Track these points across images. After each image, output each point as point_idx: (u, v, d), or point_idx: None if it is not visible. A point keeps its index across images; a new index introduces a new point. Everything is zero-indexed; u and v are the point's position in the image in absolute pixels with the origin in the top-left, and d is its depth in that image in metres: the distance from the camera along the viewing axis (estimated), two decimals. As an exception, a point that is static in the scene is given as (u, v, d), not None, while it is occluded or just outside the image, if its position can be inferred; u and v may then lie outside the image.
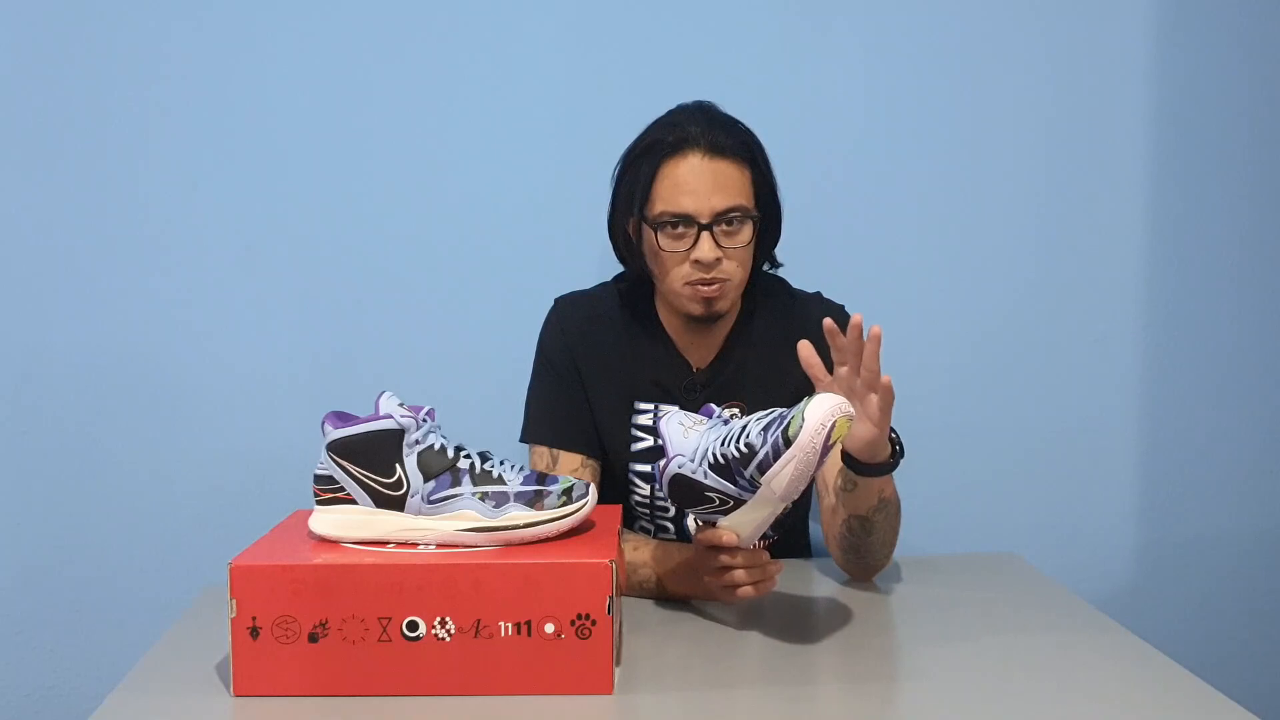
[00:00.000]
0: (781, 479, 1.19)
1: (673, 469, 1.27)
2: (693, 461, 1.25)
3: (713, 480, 1.24)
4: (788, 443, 1.17)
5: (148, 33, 1.75)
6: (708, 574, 1.31)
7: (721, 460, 1.22)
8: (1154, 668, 1.20)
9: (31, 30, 1.74)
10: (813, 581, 1.50)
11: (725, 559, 1.28)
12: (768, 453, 1.18)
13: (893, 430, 1.32)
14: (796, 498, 1.21)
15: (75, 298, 1.79)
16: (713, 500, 1.25)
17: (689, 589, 1.39)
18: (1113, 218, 1.88)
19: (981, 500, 1.91)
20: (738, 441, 1.21)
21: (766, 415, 1.22)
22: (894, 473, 1.37)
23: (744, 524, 1.25)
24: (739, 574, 1.28)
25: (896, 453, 1.34)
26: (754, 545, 1.30)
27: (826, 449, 1.18)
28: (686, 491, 1.26)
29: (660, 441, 1.31)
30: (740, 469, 1.21)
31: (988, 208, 1.87)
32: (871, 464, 1.32)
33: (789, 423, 1.18)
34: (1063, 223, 1.88)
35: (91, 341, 1.79)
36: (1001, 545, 1.80)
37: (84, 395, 1.80)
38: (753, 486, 1.22)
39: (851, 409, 1.20)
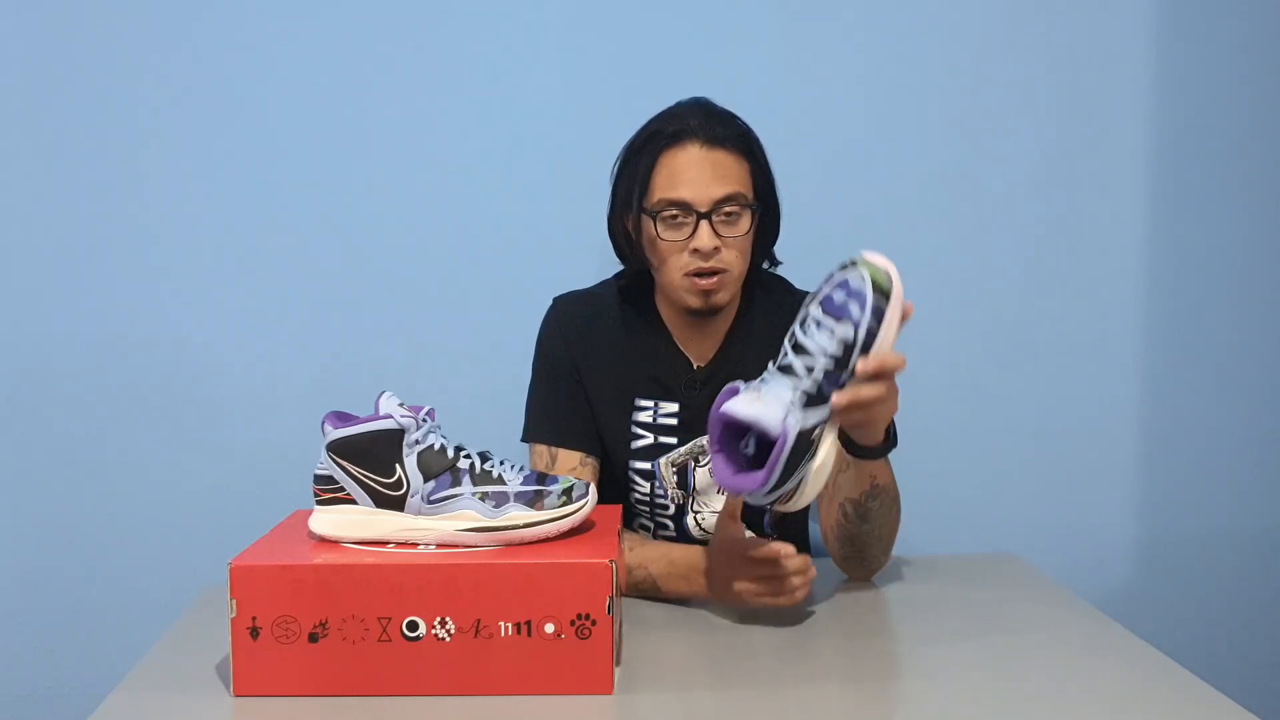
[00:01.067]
0: (890, 337, 1.16)
1: (792, 434, 1.15)
2: (792, 415, 1.16)
3: (811, 417, 1.17)
4: (886, 297, 1.14)
5: (148, 33, 1.75)
6: (755, 580, 1.31)
7: (813, 392, 1.16)
8: (1153, 667, 1.20)
9: (32, 32, 1.74)
10: (813, 582, 1.50)
11: (791, 565, 1.29)
12: (870, 328, 1.13)
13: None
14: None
15: (75, 297, 1.79)
16: (811, 442, 1.18)
17: (686, 590, 1.39)
18: (1113, 218, 1.88)
19: (981, 500, 1.91)
20: (816, 369, 1.15)
21: (804, 335, 1.18)
22: (893, 469, 1.39)
23: (824, 466, 1.21)
24: (796, 579, 1.30)
25: (890, 438, 1.34)
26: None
27: None
28: (799, 447, 1.17)
29: (746, 423, 1.17)
30: (838, 375, 1.15)
31: (988, 207, 1.87)
32: (863, 445, 1.33)
33: (870, 283, 1.13)
34: (1063, 223, 1.88)
35: (92, 342, 1.79)
36: (1001, 545, 1.80)
37: (84, 395, 1.80)
38: (840, 385, 1.16)
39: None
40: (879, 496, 1.39)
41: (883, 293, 1.13)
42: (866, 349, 1.15)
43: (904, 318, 1.20)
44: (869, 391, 1.20)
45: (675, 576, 1.39)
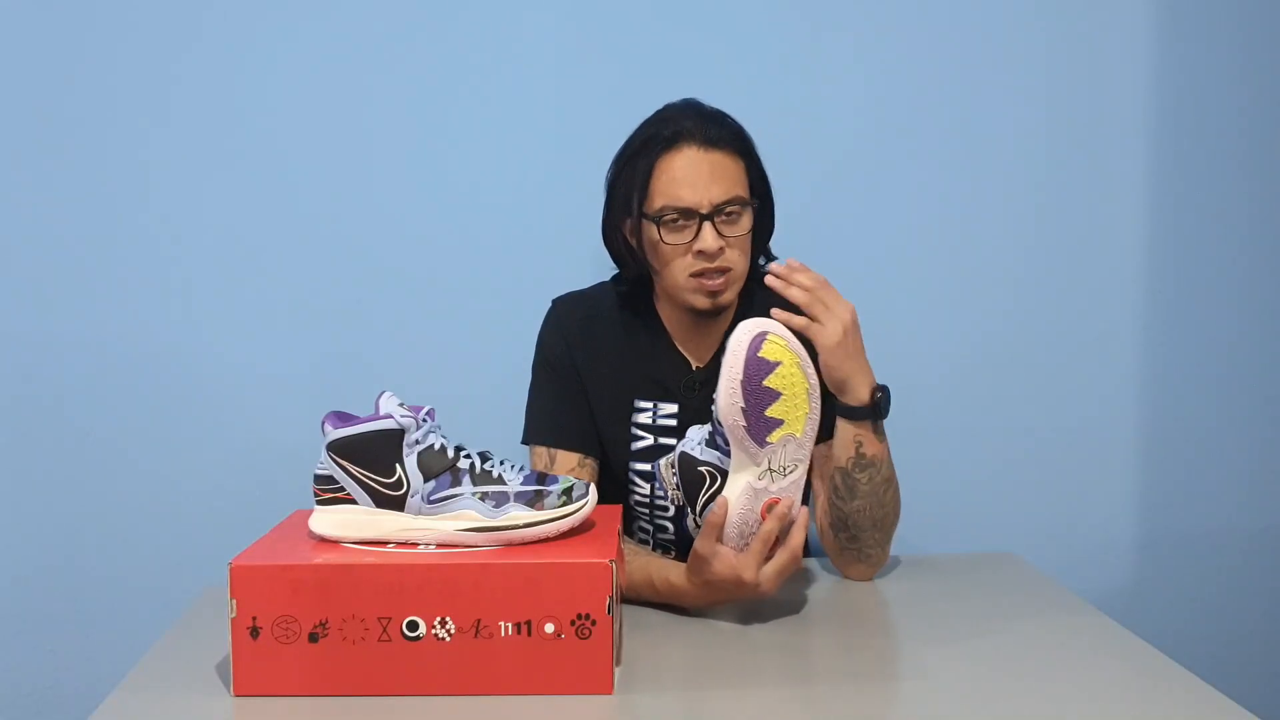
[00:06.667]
0: (721, 393, 1.24)
1: (679, 449, 1.32)
2: (694, 440, 1.32)
3: (706, 454, 1.29)
4: (724, 352, 1.25)
5: (152, 33, 1.76)
6: (716, 574, 1.29)
7: (709, 432, 1.29)
8: (1153, 667, 1.20)
9: (38, 30, 1.74)
10: (813, 581, 1.50)
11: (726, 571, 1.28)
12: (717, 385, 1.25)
13: (883, 388, 1.40)
14: (743, 425, 1.24)
15: (77, 296, 1.79)
16: (704, 477, 1.29)
17: (679, 599, 1.37)
18: (1112, 218, 1.88)
19: (981, 499, 1.91)
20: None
21: None
22: (893, 459, 1.41)
23: (730, 490, 1.28)
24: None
25: (877, 404, 1.38)
26: (745, 540, 1.29)
27: (760, 362, 1.23)
28: (687, 472, 1.30)
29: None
30: (719, 427, 1.27)
31: (987, 207, 1.87)
32: (846, 401, 1.38)
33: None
34: (1062, 222, 1.88)
35: (92, 341, 1.79)
36: (1001, 544, 1.80)
37: (85, 395, 1.80)
38: (728, 442, 1.26)
39: (782, 331, 1.26)
40: (867, 469, 1.39)
41: (724, 350, 1.27)
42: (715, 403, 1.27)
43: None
44: None
45: (667, 590, 1.37)
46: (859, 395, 1.39)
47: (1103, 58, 1.85)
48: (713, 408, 1.28)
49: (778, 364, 1.23)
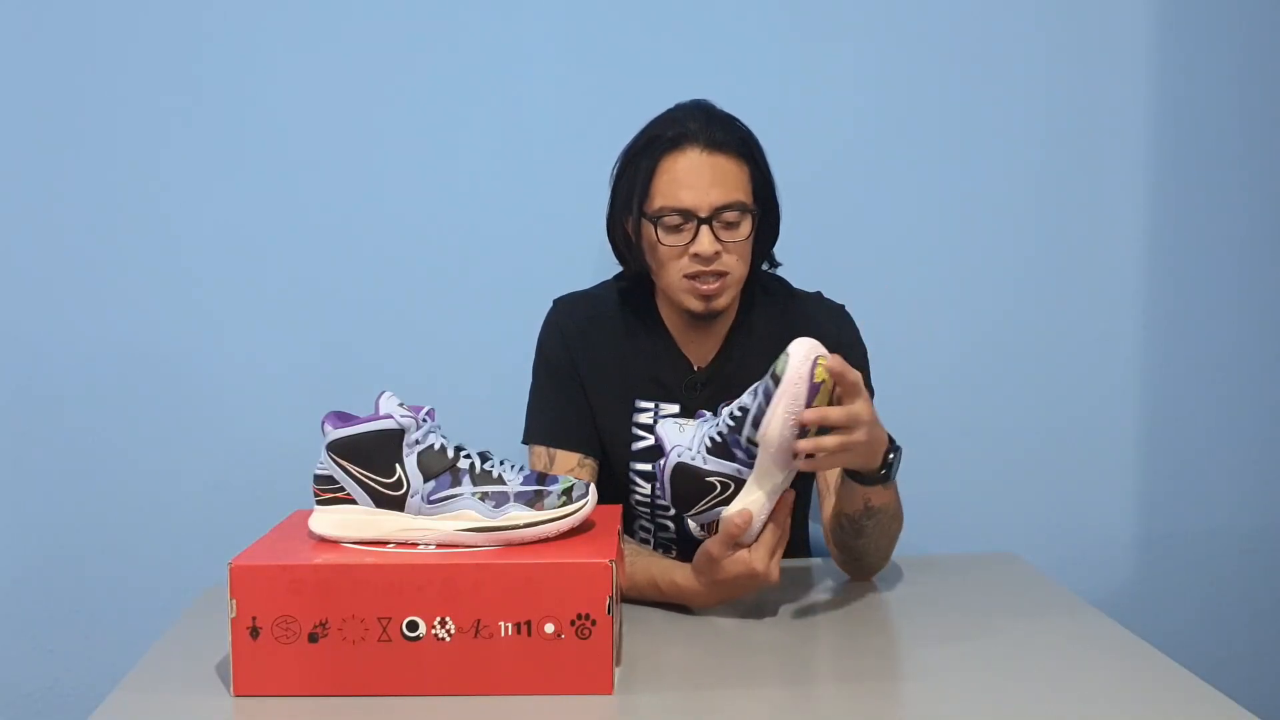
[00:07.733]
0: (774, 421, 1.21)
1: (673, 459, 1.29)
2: (691, 449, 1.28)
3: (712, 464, 1.26)
4: (776, 381, 1.20)
5: (156, 33, 1.76)
6: (728, 573, 1.29)
7: (718, 439, 1.25)
8: (1153, 667, 1.20)
9: (43, 30, 1.74)
10: (813, 581, 1.50)
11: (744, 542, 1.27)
12: (760, 404, 1.21)
13: (894, 446, 1.33)
14: (791, 449, 1.21)
15: (78, 297, 1.79)
16: (714, 487, 1.26)
17: (685, 599, 1.37)
18: (1112, 217, 1.88)
19: (981, 499, 1.91)
20: (730, 415, 1.26)
21: (752, 386, 1.26)
22: (894, 483, 1.37)
23: (753, 502, 1.26)
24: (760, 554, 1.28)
25: (887, 466, 1.32)
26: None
27: (814, 388, 1.20)
28: (688, 481, 1.27)
29: (658, 443, 1.33)
30: (736, 437, 1.24)
31: (987, 207, 1.87)
32: (855, 471, 1.33)
33: (775, 365, 1.21)
34: (1062, 222, 1.88)
35: (92, 342, 1.79)
36: (1001, 544, 1.80)
37: (85, 395, 1.80)
38: (751, 454, 1.23)
39: (823, 348, 1.23)
40: (874, 516, 1.38)
41: (774, 380, 1.21)
42: (757, 425, 1.23)
43: (800, 417, 1.21)
44: (828, 442, 1.23)
45: (666, 589, 1.37)
46: (869, 465, 1.32)
47: (1103, 58, 1.85)
48: (741, 424, 1.23)
49: (821, 384, 1.21)
